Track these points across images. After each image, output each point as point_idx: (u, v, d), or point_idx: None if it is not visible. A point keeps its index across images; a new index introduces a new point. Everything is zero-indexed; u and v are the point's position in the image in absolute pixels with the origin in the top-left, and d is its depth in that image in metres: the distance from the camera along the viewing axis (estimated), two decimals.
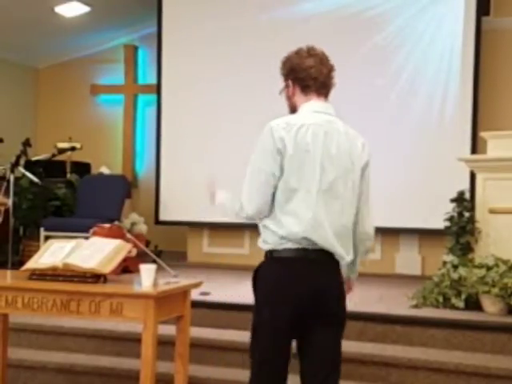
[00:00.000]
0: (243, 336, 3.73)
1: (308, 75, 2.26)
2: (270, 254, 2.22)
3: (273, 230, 2.19)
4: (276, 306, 2.15)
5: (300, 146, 2.18)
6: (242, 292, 4.59)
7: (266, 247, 2.24)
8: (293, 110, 2.36)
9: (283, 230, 2.17)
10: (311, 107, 2.27)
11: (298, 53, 2.30)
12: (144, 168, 7.52)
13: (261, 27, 6.27)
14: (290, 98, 2.35)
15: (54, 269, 2.86)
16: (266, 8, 6.27)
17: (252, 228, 6.32)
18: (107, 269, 2.85)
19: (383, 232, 5.96)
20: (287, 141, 2.18)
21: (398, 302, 4.20)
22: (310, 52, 2.29)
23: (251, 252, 6.37)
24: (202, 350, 3.57)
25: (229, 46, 6.37)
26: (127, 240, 3.96)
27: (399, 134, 5.88)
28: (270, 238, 2.21)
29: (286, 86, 2.34)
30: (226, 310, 4.00)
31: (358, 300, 4.31)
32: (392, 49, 5.91)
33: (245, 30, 6.33)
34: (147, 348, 2.72)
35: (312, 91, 2.28)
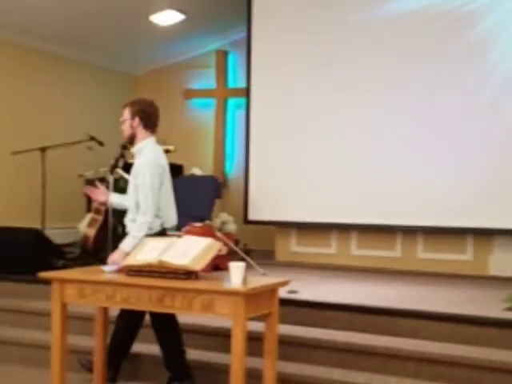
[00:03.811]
0: (330, 334, 3.78)
1: (155, 117, 3.50)
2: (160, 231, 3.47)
3: (159, 222, 3.48)
4: None
5: (165, 168, 3.55)
6: (329, 291, 4.62)
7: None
8: (131, 136, 3.51)
9: (164, 222, 3.49)
10: (154, 141, 3.53)
11: (147, 100, 3.55)
12: (234, 169, 7.68)
13: (348, 28, 6.24)
14: (133, 129, 3.47)
15: (150, 266, 3.02)
16: (352, 9, 6.23)
17: (339, 229, 6.34)
18: (199, 266, 2.97)
19: (476, 233, 5.79)
20: (163, 165, 3.53)
21: (490, 304, 4.09)
22: (152, 103, 3.54)
23: (338, 251, 6.37)
24: (290, 347, 3.63)
25: (318, 47, 6.36)
26: (217, 239, 4.10)
27: (493, 134, 5.68)
28: (158, 226, 3.48)
29: (132, 119, 3.46)
30: (313, 309, 4.04)
31: (447, 301, 4.23)
32: (484, 46, 5.71)
33: (332, 35, 6.30)
34: (237, 343, 2.81)
35: (152, 129, 3.51)
